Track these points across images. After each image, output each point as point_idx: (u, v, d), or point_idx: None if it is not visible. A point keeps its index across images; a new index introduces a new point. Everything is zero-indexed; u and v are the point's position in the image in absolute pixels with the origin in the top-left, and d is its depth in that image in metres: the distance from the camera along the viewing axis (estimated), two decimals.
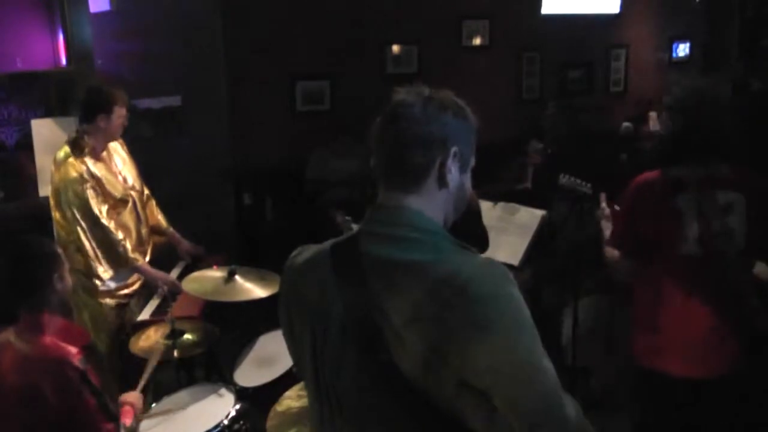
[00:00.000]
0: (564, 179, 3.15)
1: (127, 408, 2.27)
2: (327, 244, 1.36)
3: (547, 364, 1.19)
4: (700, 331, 2.19)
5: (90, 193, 3.08)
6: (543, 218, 2.91)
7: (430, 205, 1.30)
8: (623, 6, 6.62)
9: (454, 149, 1.29)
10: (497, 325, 1.17)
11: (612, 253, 2.38)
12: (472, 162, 1.36)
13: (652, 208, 2.24)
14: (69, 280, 2.19)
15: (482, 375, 1.17)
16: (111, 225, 3.13)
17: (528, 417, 1.17)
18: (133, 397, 2.37)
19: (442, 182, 1.29)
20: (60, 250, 2.19)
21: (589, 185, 3.01)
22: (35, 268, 2.08)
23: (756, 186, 2.19)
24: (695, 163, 2.19)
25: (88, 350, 3.19)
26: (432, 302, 1.17)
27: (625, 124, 6.45)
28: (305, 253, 1.40)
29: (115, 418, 2.14)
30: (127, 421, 2.21)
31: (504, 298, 1.19)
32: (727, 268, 2.16)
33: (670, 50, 7.20)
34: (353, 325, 1.25)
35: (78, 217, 3.08)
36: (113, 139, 3.26)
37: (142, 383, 2.47)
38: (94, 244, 3.12)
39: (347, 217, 2.71)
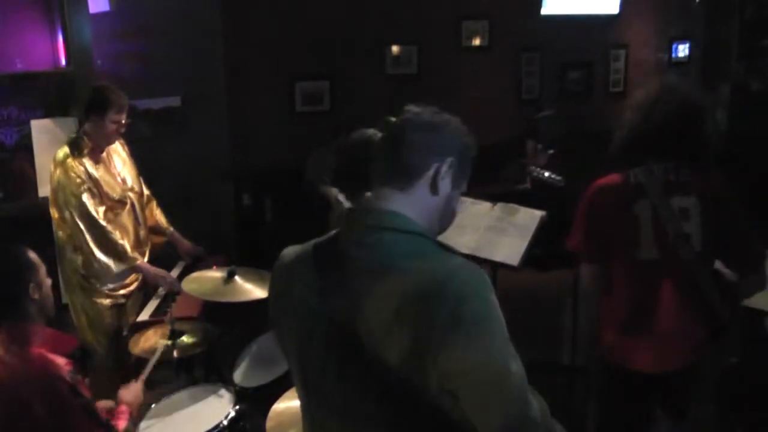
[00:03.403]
0: (535, 172, 3.13)
1: (123, 408, 2.25)
2: (309, 244, 1.38)
3: (516, 367, 1.20)
4: (664, 327, 2.22)
5: (87, 195, 3.07)
6: (542, 219, 2.91)
7: (417, 207, 1.33)
8: (623, 6, 6.62)
9: (450, 159, 1.34)
10: (470, 327, 1.18)
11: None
12: (464, 187, 1.41)
13: (610, 214, 2.25)
14: (47, 283, 2.13)
15: (453, 377, 1.18)
16: (109, 226, 3.13)
17: (495, 420, 1.18)
18: (132, 392, 2.36)
19: (433, 188, 1.34)
20: (34, 255, 2.11)
21: (560, 177, 3.00)
22: (9, 283, 2.02)
23: (712, 190, 2.20)
24: (653, 166, 2.20)
25: (85, 351, 3.20)
26: (411, 305, 1.18)
27: None
28: (290, 253, 1.42)
29: (107, 426, 2.09)
30: (121, 425, 2.18)
31: (479, 300, 1.20)
32: (685, 270, 2.19)
33: (670, 51, 7.20)
34: (336, 327, 1.26)
35: (76, 217, 3.08)
36: (108, 142, 3.23)
37: (144, 376, 2.46)
38: (92, 244, 3.11)
39: (340, 195, 2.70)
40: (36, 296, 2.05)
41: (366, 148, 2.93)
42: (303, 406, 1.42)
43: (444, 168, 1.33)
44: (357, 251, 1.28)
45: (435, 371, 1.18)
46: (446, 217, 1.40)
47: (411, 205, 1.32)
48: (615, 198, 2.26)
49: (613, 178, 2.30)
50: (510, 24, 6.05)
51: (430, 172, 1.33)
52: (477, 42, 6.01)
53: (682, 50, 7.25)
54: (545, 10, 6.18)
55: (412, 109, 1.38)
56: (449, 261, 1.25)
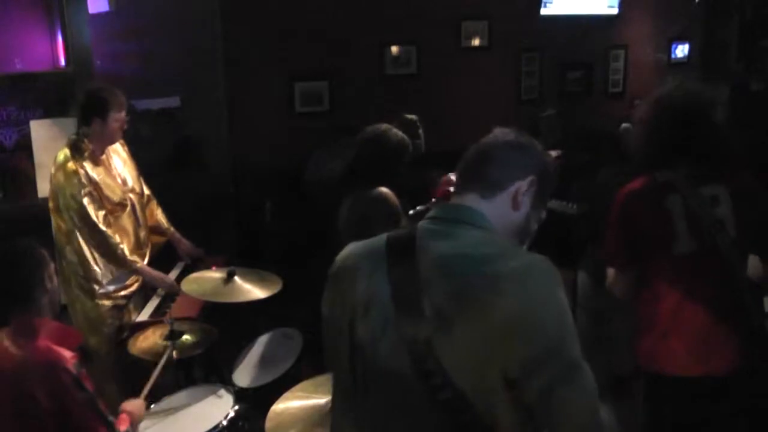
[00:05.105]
0: (551, 202, 3.14)
1: (124, 416, 2.25)
2: (381, 237, 1.41)
3: (587, 366, 1.22)
4: (701, 329, 2.20)
5: (87, 200, 3.06)
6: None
7: (496, 217, 1.36)
8: (622, 6, 6.63)
9: (531, 178, 1.38)
10: (541, 320, 1.20)
11: (608, 272, 2.37)
12: (543, 210, 1.45)
13: (643, 213, 2.25)
14: (56, 278, 2.18)
15: (523, 365, 1.18)
16: (109, 231, 3.12)
17: (566, 416, 1.19)
18: (135, 405, 2.35)
19: (514, 203, 1.38)
20: (45, 251, 2.16)
21: (574, 206, 3.00)
22: (25, 273, 2.06)
23: (739, 181, 2.22)
24: (680, 166, 2.21)
25: (85, 352, 3.19)
26: (480, 295, 1.20)
27: (624, 125, 6.44)
28: (351, 252, 1.43)
29: (109, 423, 2.10)
30: (122, 427, 2.19)
31: (549, 295, 1.23)
32: (722, 260, 2.18)
33: (669, 51, 7.20)
34: (399, 312, 1.27)
35: (76, 221, 3.07)
36: (112, 142, 3.23)
37: (146, 390, 2.46)
38: (92, 248, 3.11)
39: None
40: (49, 287, 2.10)
41: (379, 143, 2.93)
42: (341, 390, 1.42)
43: (525, 186, 1.38)
44: (432, 242, 1.31)
45: (498, 363, 1.18)
46: (523, 234, 1.43)
47: (490, 212, 1.36)
48: (645, 198, 2.26)
49: (638, 182, 2.30)
50: (510, 24, 6.05)
51: (513, 188, 1.37)
52: (477, 42, 6.01)
53: (681, 50, 7.25)
54: (545, 10, 6.18)
55: (501, 129, 1.45)
56: (519, 258, 1.27)
